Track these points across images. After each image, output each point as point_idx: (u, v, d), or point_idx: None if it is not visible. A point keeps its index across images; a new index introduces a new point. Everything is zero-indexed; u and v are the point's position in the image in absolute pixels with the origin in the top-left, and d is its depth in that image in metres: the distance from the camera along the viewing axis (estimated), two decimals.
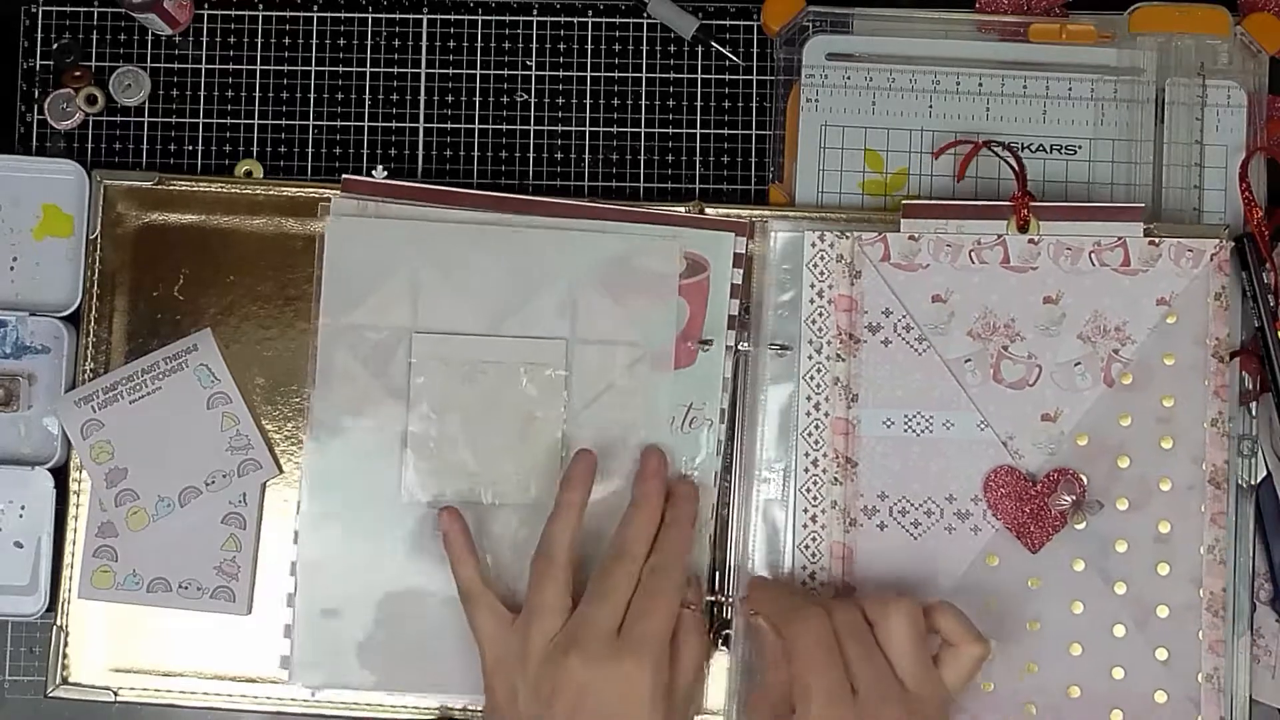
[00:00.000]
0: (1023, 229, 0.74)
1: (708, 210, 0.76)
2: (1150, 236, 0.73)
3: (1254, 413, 0.75)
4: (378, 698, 0.74)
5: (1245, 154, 0.77)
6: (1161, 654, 0.72)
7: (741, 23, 0.81)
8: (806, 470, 0.73)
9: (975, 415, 0.73)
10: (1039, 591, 0.72)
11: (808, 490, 0.73)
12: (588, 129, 0.80)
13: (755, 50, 0.80)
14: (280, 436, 0.76)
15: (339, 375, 0.75)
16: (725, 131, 0.80)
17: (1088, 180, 0.78)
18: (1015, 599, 0.72)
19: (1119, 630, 0.72)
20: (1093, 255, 0.73)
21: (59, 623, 0.75)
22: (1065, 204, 0.75)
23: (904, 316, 0.73)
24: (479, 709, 0.74)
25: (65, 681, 0.75)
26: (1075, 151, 0.78)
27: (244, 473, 0.76)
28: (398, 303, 0.75)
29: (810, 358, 0.74)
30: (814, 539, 0.73)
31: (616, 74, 0.81)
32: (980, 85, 0.78)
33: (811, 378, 0.74)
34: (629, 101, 0.80)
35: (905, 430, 0.73)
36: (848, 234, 0.74)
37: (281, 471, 0.76)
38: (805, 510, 0.73)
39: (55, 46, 0.81)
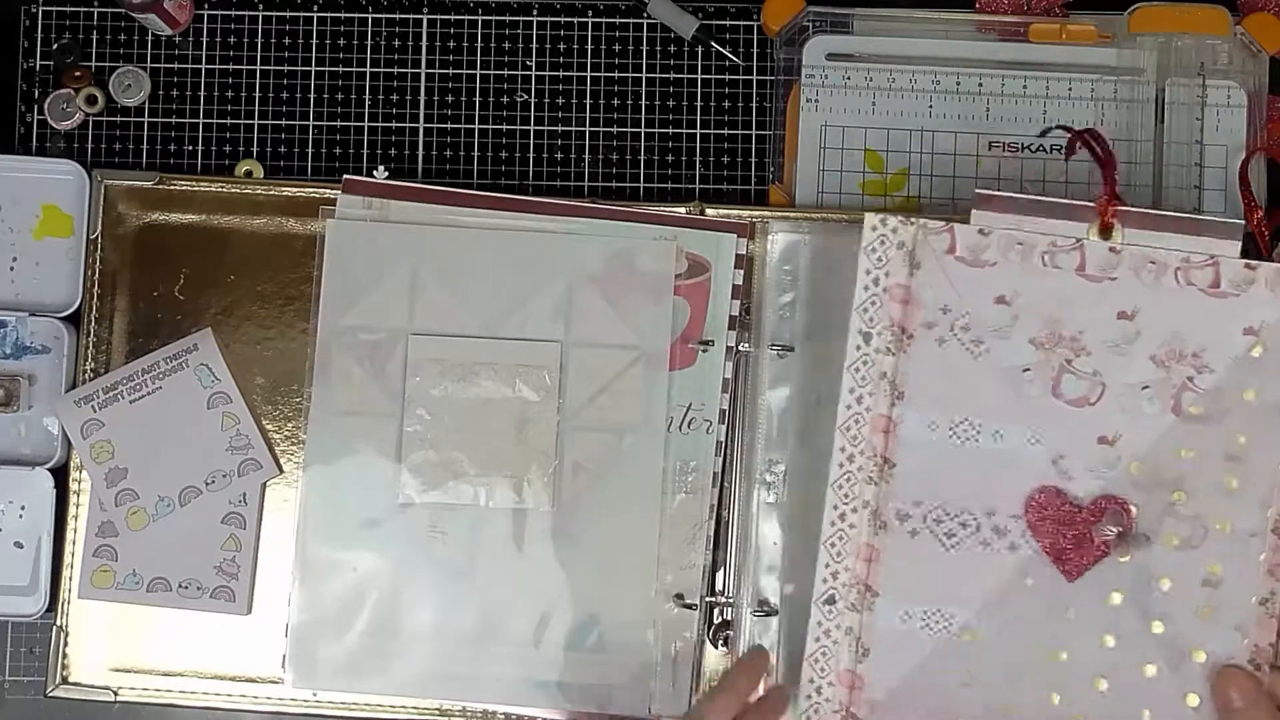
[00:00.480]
0: (1105, 234, 0.69)
1: (708, 211, 0.76)
2: (1247, 260, 0.68)
3: None
4: (377, 698, 0.74)
5: (1245, 154, 0.77)
6: (1193, 700, 0.68)
7: (741, 23, 0.81)
8: (841, 465, 0.69)
9: (1027, 429, 0.69)
10: (1072, 621, 0.69)
11: (839, 487, 0.70)
12: (588, 129, 0.80)
13: (755, 50, 0.80)
14: (280, 436, 0.76)
15: (337, 375, 0.75)
16: (725, 131, 0.80)
17: (1088, 180, 0.78)
18: (1044, 625, 0.69)
19: (1150, 670, 0.68)
20: (1179, 272, 0.68)
21: (59, 623, 0.75)
22: (1155, 212, 0.70)
23: (963, 315, 0.69)
24: (478, 708, 0.74)
25: (65, 681, 0.75)
26: (1075, 151, 0.78)
27: (244, 473, 0.76)
28: (395, 304, 0.75)
29: (858, 348, 0.69)
30: (841, 537, 0.69)
31: (616, 74, 0.81)
32: (980, 85, 0.78)
33: (857, 370, 0.69)
34: (629, 101, 0.80)
35: (950, 435, 0.69)
36: (913, 220, 0.70)
37: (281, 471, 0.76)
38: (835, 507, 0.69)
39: (55, 46, 0.81)
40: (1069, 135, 0.73)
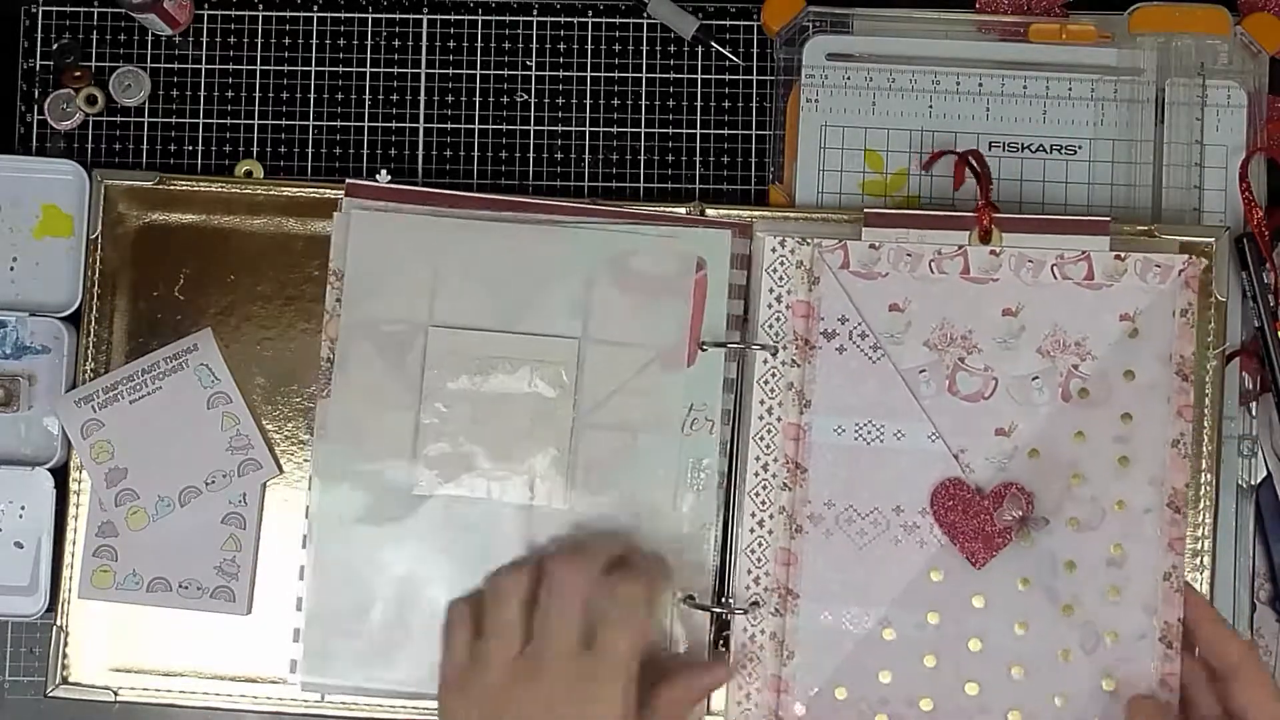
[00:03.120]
0: (984, 240, 0.73)
1: (708, 211, 0.76)
2: (1116, 251, 0.71)
3: (1254, 413, 0.75)
4: (379, 699, 0.74)
5: (1245, 154, 0.77)
6: (1108, 684, 0.70)
7: (741, 23, 0.81)
8: (756, 475, 0.73)
9: (927, 426, 0.72)
10: (983, 610, 0.71)
11: (756, 495, 0.73)
12: (588, 129, 0.80)
13: (755, 50, 0.80)
14: (280, 436, 0.76)
15: (356, 365, 0.74)
16: (725, 131, 0.80)
17: (1088, 180, 0.78)
18: (958, 616, 0.71)
19: (1064, 655, 0.70)
20: (1054, 268, 0.72)
21: (59, 623, 0.75)
22: (1029, 216, 0.74)
23: (860, 324, 0.72)
24: None
25: (65, 681, 0.75)
26: (1075, 151, 0.78)
27: (244, 473, 0.76)
28: (416, 296, 0.75)
29: (765, 362, 0.73)
30: (760, 544, 0.72)
31: (616, 74, 0.81)
32: (980, 85, 0.78)
33: (765, 382, 0.73)
34: (629, 101, 0.80)
35: (856, 438, 0.72)
36: (808, 240, 0.73)
37: (281, 471, 0.76)
38: (753, 515, 0.73)
39: (55, 46, 0.81)
40: (956, 158, 0.76)
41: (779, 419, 0.73)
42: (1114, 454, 0.71)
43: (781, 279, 0.74)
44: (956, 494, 0.71)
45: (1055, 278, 0.72)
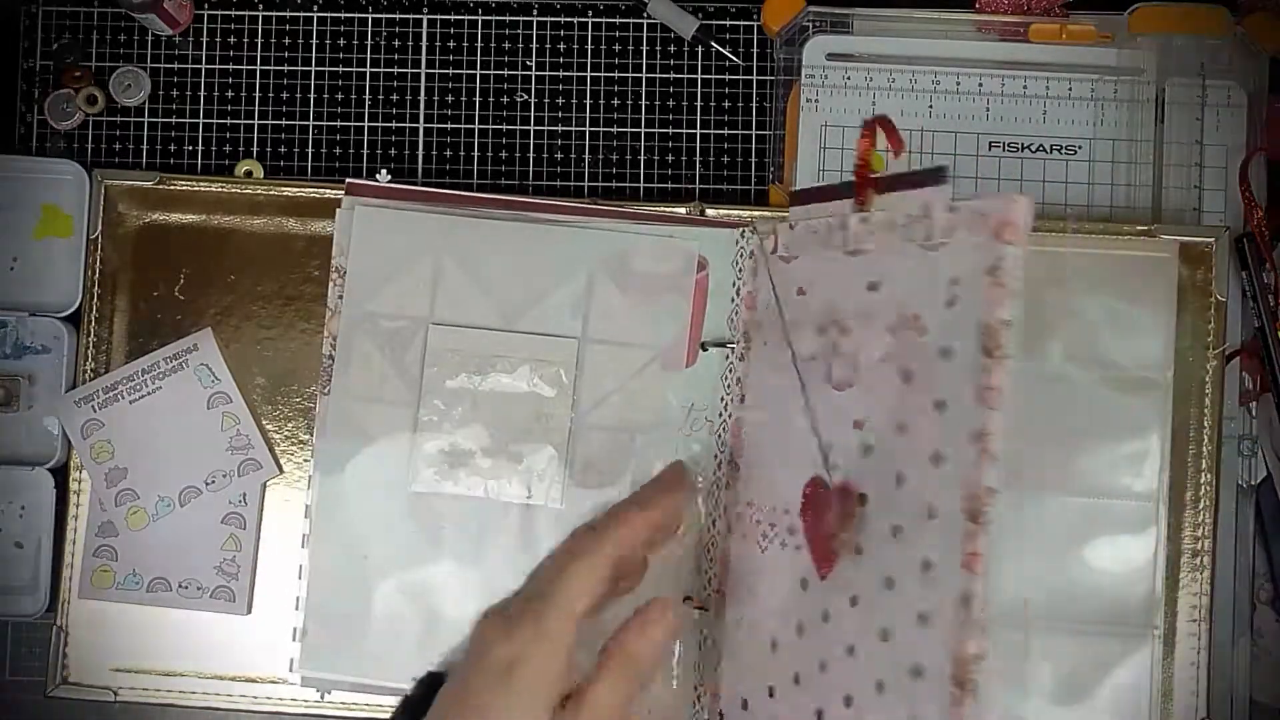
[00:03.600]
0: (860, 205, 0.61)
1: (708, 211, 0.76)
2: (953, 202, 0.57)
3: (1254, 413, 0.75)
4: (379, 698, 0.74)
5: (1245, 154, 0.77)
6: None
7: (741, 23, 0.81)
8: (714, 474, 0.71)
9: (808, 420, 0.63)
10: (828, 628, 0.59)
11: (711, 494, 0.71)
12: (588, 129, 0.80)
13: (755, 50, 0.80)
14: (280, 436, 0.76)
15: (357, 361, 0.74)
16: (725, 131, 0.80)
17: (1088, 181, 0.78)
18: (813, 633, 0.60)
19: (880, 689, 0.56)
20: (903, 229, 0.59)
21: (59, 623, 0.75)
22: (898, 173, 0.61)
23: (775, 312, 0.67)
24: None
25: (65, 681, 0.75)
26: (1075, 151, 0.78)
27: (244, 473, 0.76)
28: (417, 293, 0.74)
29: (726, 358, 0.72)
30: (713, 544, 0.71)
31: (616, 74, 0.81)
32: (980, 85, 0.78)
33: (724, 378, 0.72)
34: (629, 101, 0.80)
35: (768, 434, 0.68)
36: (758, 230, 0.71)
37: (281, 471, 0.76)
38: (708, 514, 0.71)
39: (55, 46, 0.81)
40: (863, 127, 0.63)
41: (731, 416, 0.71)
42: (928, 450, 0.56)
43: (740, 271, 0.72)
44: (813, 496, 0.62)
45: (905, 241, 0.59)
